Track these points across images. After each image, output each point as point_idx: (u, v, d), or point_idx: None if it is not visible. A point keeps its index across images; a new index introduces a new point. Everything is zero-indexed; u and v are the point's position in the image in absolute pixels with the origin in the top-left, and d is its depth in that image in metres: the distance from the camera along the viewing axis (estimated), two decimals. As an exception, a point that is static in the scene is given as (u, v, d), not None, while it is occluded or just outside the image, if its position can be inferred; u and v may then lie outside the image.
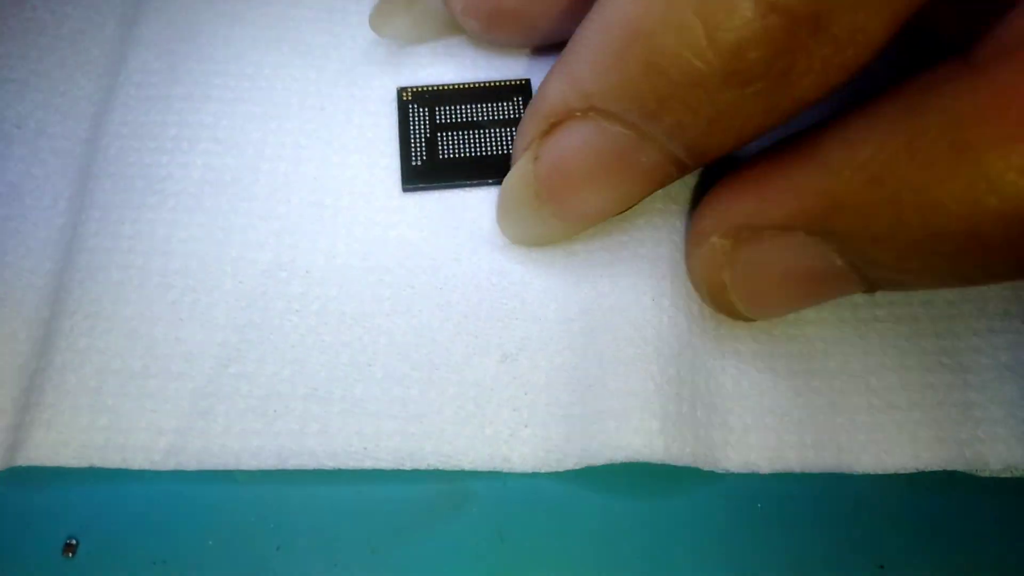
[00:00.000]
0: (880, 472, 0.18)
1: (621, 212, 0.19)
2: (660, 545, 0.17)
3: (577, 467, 0.18)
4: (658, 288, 0.19)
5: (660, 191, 0.19)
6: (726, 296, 0.18)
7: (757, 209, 0.16)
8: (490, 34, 0.22)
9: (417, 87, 0.22)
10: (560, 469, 0.18)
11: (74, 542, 0.17)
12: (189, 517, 0.17)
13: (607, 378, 0.18)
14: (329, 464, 0.18)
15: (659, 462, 0.17)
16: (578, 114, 0.17)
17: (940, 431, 0.18)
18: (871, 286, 0.16)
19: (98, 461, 0.17)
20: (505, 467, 0.18)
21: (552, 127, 0.17)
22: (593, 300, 0.19)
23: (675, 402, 0.18)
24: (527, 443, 0.18)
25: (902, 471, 0.18)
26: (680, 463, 0.17)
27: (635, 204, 0.19)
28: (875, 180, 0.14)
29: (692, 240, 0.18)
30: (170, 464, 0.18)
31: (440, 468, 0.18)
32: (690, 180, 0.20)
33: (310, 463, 0.18)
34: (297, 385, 0.18)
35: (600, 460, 0.17)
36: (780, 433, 0.18)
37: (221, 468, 0.18)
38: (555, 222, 0.19)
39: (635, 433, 0.17)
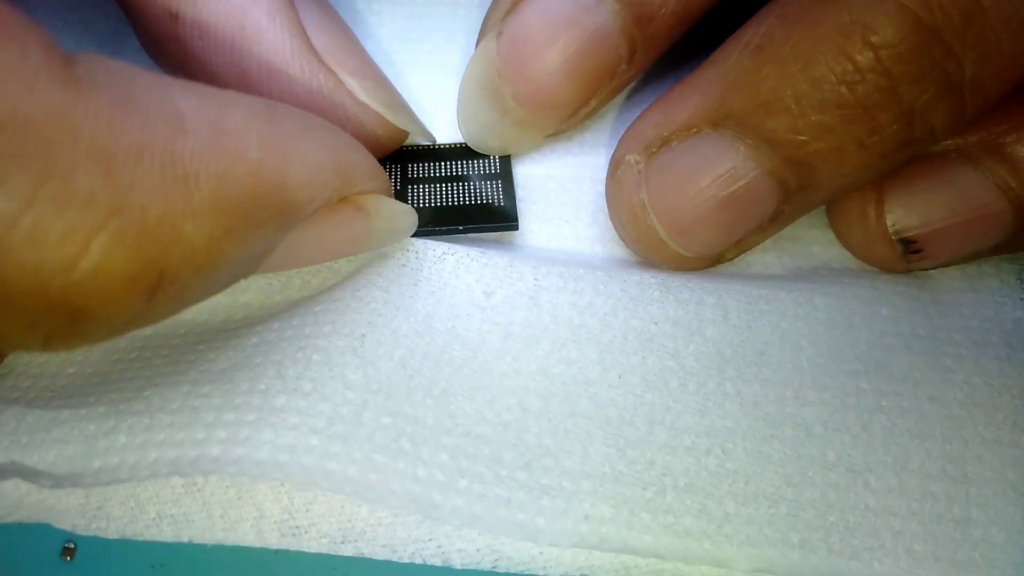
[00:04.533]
0: None
1: (585, 104, 0.19)
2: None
3: (513, 539, 0.16)
4: (626, 364, 0.18)
5: (632, 264, 0.19)
6: (647, 221, 0.18)
7: (664, 118, 0.18)
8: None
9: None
10: (494, 534, 0.16)
11: (72, 546, 0.17)
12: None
13: (561, 454, 0.17)
14: (231, 471, 0.16)
15: (612, 552, 0.16)
16: None
17: (937, 548, 0.16)
18: (782, 186, 0.17)
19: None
20: (434, 515, 0.16)
21: (514, 5, 0.18)
22: (555, 363, 0.18)
23: (637, 487, 0.16)
24: (462, 495, 0.16)
25: None
26: (640, 555, 0.16)
27: (597, 97, 0.19)
28: (757, 49, 0.16)
29: (609, 171, 0.19)
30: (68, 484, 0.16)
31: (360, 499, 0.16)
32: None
33: (211, 468, 0.16)
34: (212, 397, 0.17)
35: (542, 541, 0.16)
36: (763, 527, 0.16)
37: (125, 480, 0.16)
38: (517, 111, 0.19)
39: (584, 520, 0.16)
